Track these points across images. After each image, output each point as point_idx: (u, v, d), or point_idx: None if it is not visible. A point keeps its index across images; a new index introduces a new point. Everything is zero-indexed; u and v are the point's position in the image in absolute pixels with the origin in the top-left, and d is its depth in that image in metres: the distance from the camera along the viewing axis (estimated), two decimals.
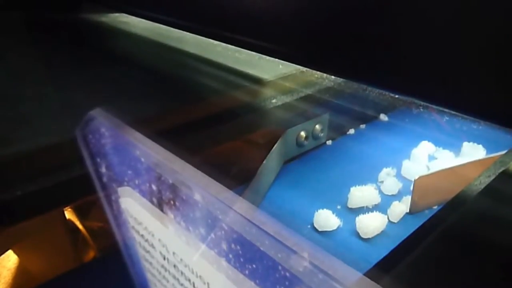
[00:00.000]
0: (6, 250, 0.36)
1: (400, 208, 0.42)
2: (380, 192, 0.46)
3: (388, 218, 0.42)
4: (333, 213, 0.42)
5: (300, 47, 0.30)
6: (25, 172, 0.32)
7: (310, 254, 0.13)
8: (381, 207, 0.44)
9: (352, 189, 0.45)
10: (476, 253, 0.26)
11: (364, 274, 0.12)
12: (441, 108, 0.52)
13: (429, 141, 0.53)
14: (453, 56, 0.23)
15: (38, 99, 0.43)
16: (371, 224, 0.40)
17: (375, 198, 0.44)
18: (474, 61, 0.22)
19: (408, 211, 0.43)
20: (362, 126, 0.59)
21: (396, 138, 0.57)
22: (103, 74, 0.52)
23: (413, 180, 0.43)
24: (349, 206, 0.44)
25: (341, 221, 0.42)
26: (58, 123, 0.18)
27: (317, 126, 0.52)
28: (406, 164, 0.49)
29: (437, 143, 0.53)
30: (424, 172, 0.47)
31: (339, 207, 0.44)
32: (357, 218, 0.41)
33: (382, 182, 0.47)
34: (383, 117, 0.61)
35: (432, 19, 0.23)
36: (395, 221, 0.42)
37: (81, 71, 0.53)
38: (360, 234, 0.40)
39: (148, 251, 0.22)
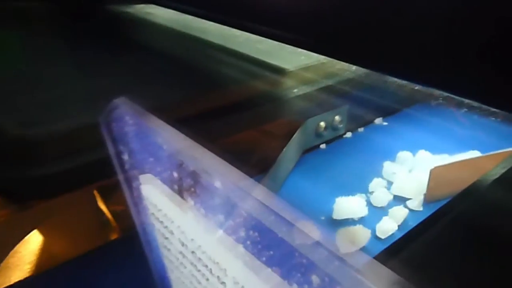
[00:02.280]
0: (34, 228, 0.38)
1: (390, 225, 0.41)
2: (369, 203, 0.44)
3: (375, 232, 0.40)
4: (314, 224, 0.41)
5: (321, 36, 0.30)
6: (58, 150, 0.33)
7: (326, 241, 0.13)
8: (367, 220, 0.42)
9: (338, 199, 0.43)
10: (486, 240, 0.26)
11: (374, 258, 0.12)
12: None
13: (437, 140, 0.53)
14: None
15: (68, 84, 0.46)
16: (351, 238, 0.39)
17: (362, 210, 0.43)
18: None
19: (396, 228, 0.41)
20: (380, 119, 0.59)
21: (411, 134, 0.57)
22: (128, 62, 0.54)
23: (393, 180, 0.43)
24: (334, 218, 0.42)
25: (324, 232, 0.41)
26: (88, 106, 0.19)
27: (337, 117, 0.53)
28: (387, 165, 0.49)
29: (443, 143, 0.53)
30: (405, 172, 0.47)
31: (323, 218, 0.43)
32: (338, 231, 0.40)
33: (372, 192, 0.46)
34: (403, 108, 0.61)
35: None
36: (382, 237, 0.40)
37: (107, 59, 0.54)
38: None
39: (166, 238, 0.22)
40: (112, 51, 0.58)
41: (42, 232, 0.38)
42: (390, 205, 0.44)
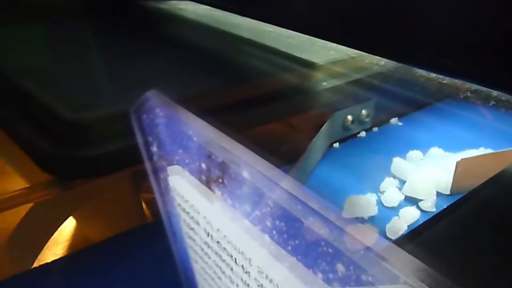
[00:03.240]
0: (75, 208, 0.40)
1: (400, 224, 0.41)
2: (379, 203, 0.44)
3: (386, 233, 0.40)
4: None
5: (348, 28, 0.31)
6: (103, 134, 0.36)
7: (352, 230, 0.14)
8: (378, 219, 0.42)
9: (348, 198, 0.43)
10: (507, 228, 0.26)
11: (397, 243, 0.13)
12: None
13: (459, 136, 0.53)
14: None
15: (109, 75, 0.49)
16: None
17: (372, 209, 0.43)
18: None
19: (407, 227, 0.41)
20: (396, 119, 0.59)
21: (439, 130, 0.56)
22: (163, 56, 0.57)
23: (404, 178, 0.43)
24: (344, 216, 0.42)
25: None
26: (128, 94, 0.21)
27: (364, 111, 0.53)
28: (396, 161, 0.48)
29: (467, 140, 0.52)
30: (415, 170, 0.47)
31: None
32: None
33: (383, 192, 0.46)
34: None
35: None
36: (392, 238, 0.40)
37: (143, 53, 0.58)
38: None
39: (192, 228, 0.23)
40: (147, 46, 0.61)
41: (81, 212, 0.40)
42: (401, 206, 0.44)
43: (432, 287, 0.12)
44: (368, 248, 0.13)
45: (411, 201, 0.45)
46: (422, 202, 0.44)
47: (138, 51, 0.59)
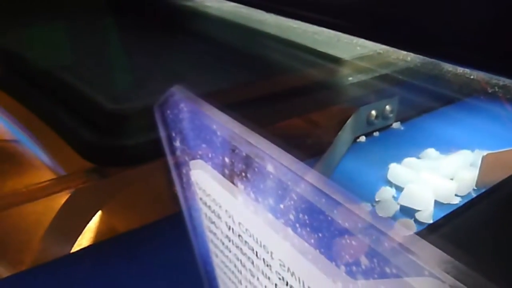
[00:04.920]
0: (111, 197, 0.41)
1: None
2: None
3: None
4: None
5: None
6: (142, 124, 0.38)
7: (376, 222, 0.14)
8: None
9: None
10: None
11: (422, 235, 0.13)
12: None
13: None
14: None
15: (143, 69, 0.52)
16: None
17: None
18: None
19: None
20: (433, 110, 0.59)
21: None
22: (189, 52, 0.59)
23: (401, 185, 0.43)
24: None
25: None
26: (161, 87, 0.22)
27: (388, 107, 0.54)
28: (393, 167, 0.47)
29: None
30: (414, 177, 0.46)
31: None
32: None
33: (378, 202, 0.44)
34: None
35: None
36: None
37: (169, 49, 0.60)
38: None
39: (213, 222, 0.23)
40: (175, 42, 0.63)
41: (114, 202, 0.42)
42: (397, 216, 0.42)
43: (458, 279, 0.12)
44: (392, 240, 0.13)
45: (407, 211, 0.43)
46: (418, 213, 0.43)
47: (166, 47, 0.62)
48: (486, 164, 0.43)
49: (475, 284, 0.12)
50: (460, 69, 0.52)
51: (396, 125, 0.56)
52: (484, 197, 0.26)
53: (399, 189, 0.45)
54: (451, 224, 0.23)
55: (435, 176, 0.46)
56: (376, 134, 0.54)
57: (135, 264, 0.34)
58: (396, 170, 0.47)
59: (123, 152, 0.42)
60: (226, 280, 0.25)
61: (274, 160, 0.17)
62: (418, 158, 0.49)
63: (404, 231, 0.13)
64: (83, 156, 0.43)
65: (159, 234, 0.36)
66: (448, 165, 0.46)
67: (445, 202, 0.44)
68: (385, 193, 0.45)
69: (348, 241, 0.15)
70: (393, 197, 0.45)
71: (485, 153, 0.44)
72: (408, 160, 0.48)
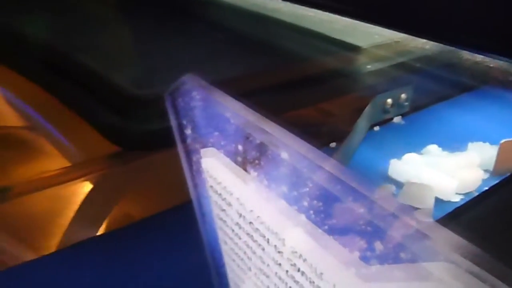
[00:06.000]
0: (130, 183, 0.42)
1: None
2: None
3: None
4: None
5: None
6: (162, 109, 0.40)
7: (394, 208, 0.14)
8: None
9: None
10: None
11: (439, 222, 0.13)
12: None
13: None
14: None
15: (162, 56, 0.52)
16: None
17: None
18: None
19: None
20: (449, 99, 0.59)
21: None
22: (208, 40, 0.59)
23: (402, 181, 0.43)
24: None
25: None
26: (178, 75, 0.23)
27: (403, 96, 0.54)
28: (394, 163, 0.47)
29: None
30: (416, 173, 0.45)
31: None
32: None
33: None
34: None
35: None
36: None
37: (189, 37, 0.60)
38: None
39: (223, 210, 0.24)
40: (193, 31, 0.64)
41: (134, 187, 0.42)
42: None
43: (474, 263, 0.12)
44: (409, 226, 0.14)
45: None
46: (418, 211, 0.42)
47: (182, 35, 0.63)
48: (503, 152, 0.42)
49: (491, 269, 0.12)
50: (479, 57, 0.53)
51: (397, 119, 0.56)
52: (501, 187, 0.27)
53: (400, 185, 0.45)
54: (469, 212, 0.23)
55: (436, 172, 0.45)
56: (395, 120, 0.54)
57: (150, 251, 0.35)
58: (397, 166, 0.46)
59: (146, 137, 0.44)
60: (234, 267, 0.25)
61: (289, 147, 0.17)
62: (420, 154, 0.49)
63: (421, 217, 0.14)
64: (110, 140, 0.44)
65: (174, 222, 0.37)
66: (450, 162, 0.46)
67: (446, 200, 0.43)
68: (385, 190, 0.44)
69: (363, 227, 0.15)
70: (393, 194, 0.44)
71: (502, 141, 0.44)
72: (409, 156, 0.48)
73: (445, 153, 0.49)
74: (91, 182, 0.40)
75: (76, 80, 0.52)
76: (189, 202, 0.26)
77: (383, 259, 0.15)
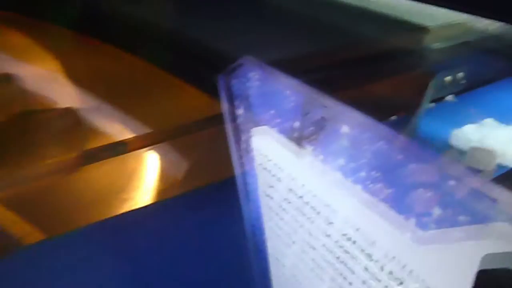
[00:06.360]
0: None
1: None
2: None
3: None
4: None
5: None
6: None
7: (458, 171, 0.15)
8: None
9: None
10: None
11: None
12: None
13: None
14: None
15: (228, 38, 0.53)
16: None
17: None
18: None
19: None
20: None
21: None
22: (270, 22, 0.60)
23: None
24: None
25: None
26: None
27: (460, 74, 0.57)
28: (456, 132, 0.49)
29: None
30: (478, 140, 0.48)
31: None
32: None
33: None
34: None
35: None
36: None
37: (251, 19, 0.61)
38: None
39: (271, 186, 0.25)
40: (255, 13, 0.65)
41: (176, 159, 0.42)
42: None
43: None
44: (471, 187, 0.15)
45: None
46: (480, 173, 0.44)
47: (246, 19, 0.64)
48: None
49: None
50: None
51: (450, 97, 0.58)
52: None
53: (463, 153, 0.47)
54: None
55: (498, 138, 0.48)
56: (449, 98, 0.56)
57: (183, 228, 0.36)
58: (459, 135, 0.49)
59: None
60: (277, 243, 0.27)
61: (350, 121, 0.18)
62: (478, 125, 0.52)
63: (480, 178, 0.15)
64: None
65: (215, 198, 0.37)
66: (508, 133, 0.49)
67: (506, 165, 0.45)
68: (448, 155, 0.47)
69: (423, 193, 0.16)
70: (456, 159, 0.47)
71: None
72: (469, 127, 0.51)
73: (503, 125, 0.51)
74: (160, 151, 0.40)
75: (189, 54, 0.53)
76: (231, 178, 0.27)
77: (440, 223, 0.16)
